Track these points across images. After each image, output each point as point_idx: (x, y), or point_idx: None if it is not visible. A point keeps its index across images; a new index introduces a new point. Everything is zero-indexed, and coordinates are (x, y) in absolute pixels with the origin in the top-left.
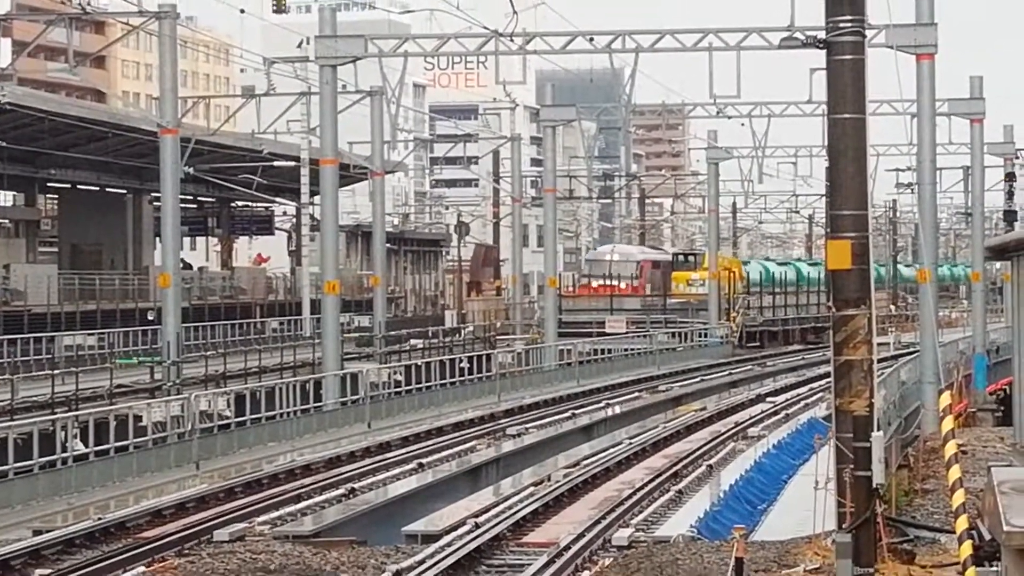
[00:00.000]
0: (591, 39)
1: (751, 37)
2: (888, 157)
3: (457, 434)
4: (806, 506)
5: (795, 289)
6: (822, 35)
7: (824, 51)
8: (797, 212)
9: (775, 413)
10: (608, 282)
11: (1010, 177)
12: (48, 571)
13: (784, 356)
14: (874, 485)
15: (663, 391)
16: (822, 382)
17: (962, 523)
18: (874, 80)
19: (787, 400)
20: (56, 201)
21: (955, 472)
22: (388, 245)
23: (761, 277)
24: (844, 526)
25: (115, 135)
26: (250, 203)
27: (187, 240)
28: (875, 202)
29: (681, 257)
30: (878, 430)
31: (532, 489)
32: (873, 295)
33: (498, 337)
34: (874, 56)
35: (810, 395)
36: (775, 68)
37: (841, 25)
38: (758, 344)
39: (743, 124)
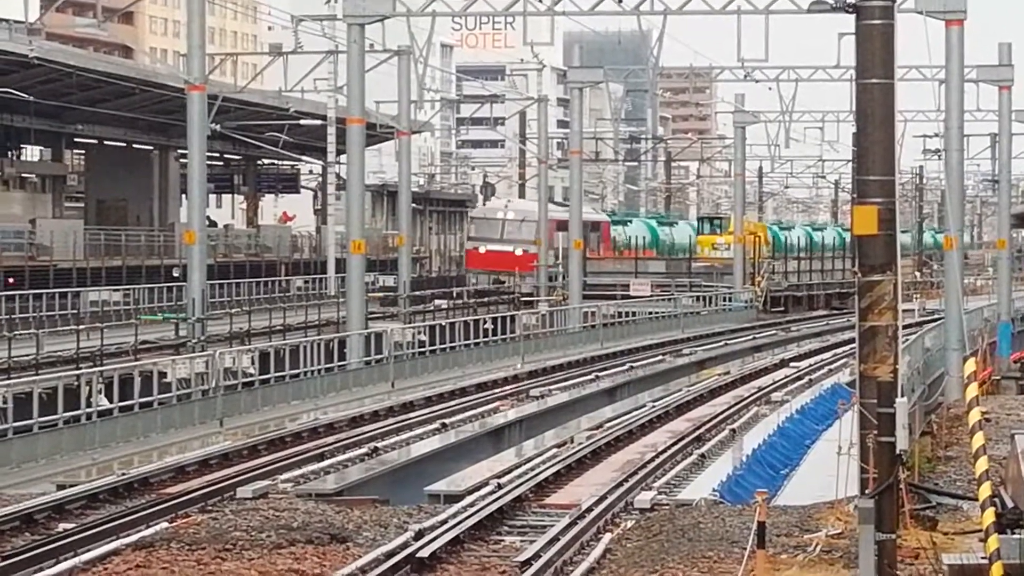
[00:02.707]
0: (619, 0)
1: (780, 1)
2: (916, 123)
3: (480, 395)
4: (828, 471)
5: (820, 254)
6: None
7: (853, 16)
8: (823, 177)
9: (799, 378)
10: (501, 247)
11: None
12: (71, 525)
13: (808, 321)
14: (897, 451)
15: (687, 355)
16: (846, 348)
17: (985, 490)
18: (903, 46)
19: (811, 365)
20: (83, 157)
21: (979, 439)
22: (413, 205)
23: (786, 241)
24: (867, 492)
25: (142, 91)
26: (276, 161)
27: (213, 197)
28: (902, 168)
29: (707, 221)
30: (902, 396)
31: (555, 451)
32: (899, 261)
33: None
34: (903, 21)
35: (834, 360)
36: (803, 32)
37: None
38: (783, 309)
39: (770, 88)
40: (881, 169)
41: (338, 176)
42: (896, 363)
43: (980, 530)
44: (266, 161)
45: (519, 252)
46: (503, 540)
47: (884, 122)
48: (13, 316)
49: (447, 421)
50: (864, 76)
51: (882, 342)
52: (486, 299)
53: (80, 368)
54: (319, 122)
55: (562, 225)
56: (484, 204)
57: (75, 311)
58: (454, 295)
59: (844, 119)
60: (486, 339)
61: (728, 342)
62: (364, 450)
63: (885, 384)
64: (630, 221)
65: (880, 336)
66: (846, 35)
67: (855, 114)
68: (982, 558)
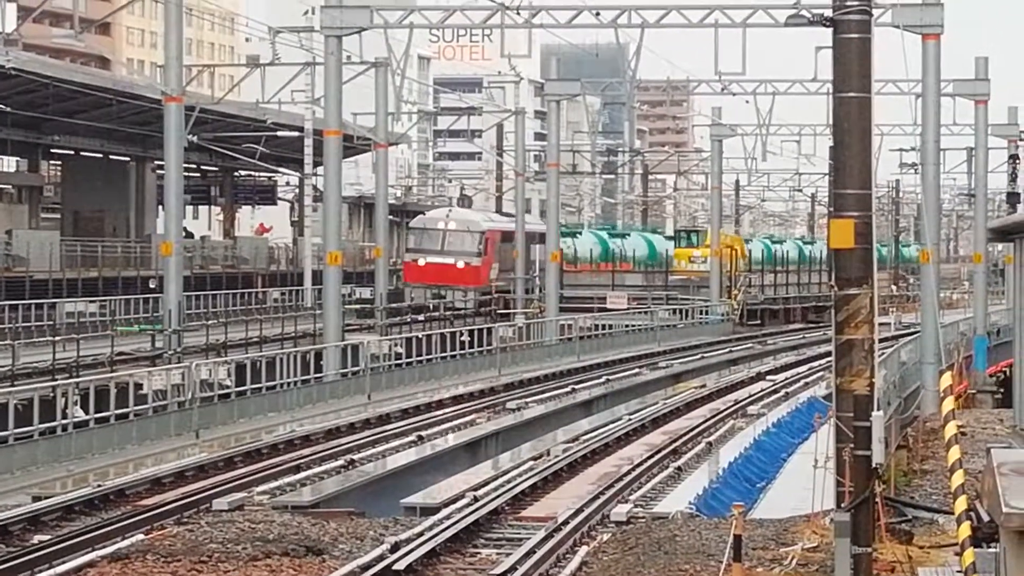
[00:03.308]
0: (597, 13)
1: (757, 14)
2: (892, 137)
3: (457, 407)
4: (805, 485)
5: (797, 267)
6: (828, 13)
7: (830, 29)
8: (800, 191)
9: (775, 391)
10: (441, 260)
11: (1014, 159)
12: (47, 537)
13: (785, 335)
14: (873, 465)
15: (663, 367)
16: (822, 361)
17: (961, 504)
18: (880, 59)
19: (787, 379)
20: (59, 167)
21: (955, 453)
22: (391, 217)
23: (763, 255)
24: (843, 505)
25: (119, 102)
26: (253, 173)
27: (189, 209)
28: (878, 182)
29: (683, 234)
30: (878, 410)
31: (531, 463)
32: (875, 275)
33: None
34: (880, 35)
35: (810, 374)
36: (781, 46)
37: (848, 3)
38: (759, 322)
39: (747, 102)
40: (858, 182)
41: (315, 188)
42: (872, 377)
43: (956, 544)
44: (243, 173)
45: (461, 265)
46: (479, 553)
47: (861, 135)
48: None
49: (423, 433)
50: (841, 90)
51: (858, 355)
52: (422, 317)
53: (56, 379)
54: (296, 134)
55: (507, 236)
56: (424, 214)
57: (51, 322)
58: (430, 307)
59: (821, 132)
60: (463, 351)
61: (705, 355)
62: (340, 462)
63: (861, 397)
64: (579, 233)
65: (856, 349)
66: (823, 49)
67: (832, 127)
68: (958, 572)
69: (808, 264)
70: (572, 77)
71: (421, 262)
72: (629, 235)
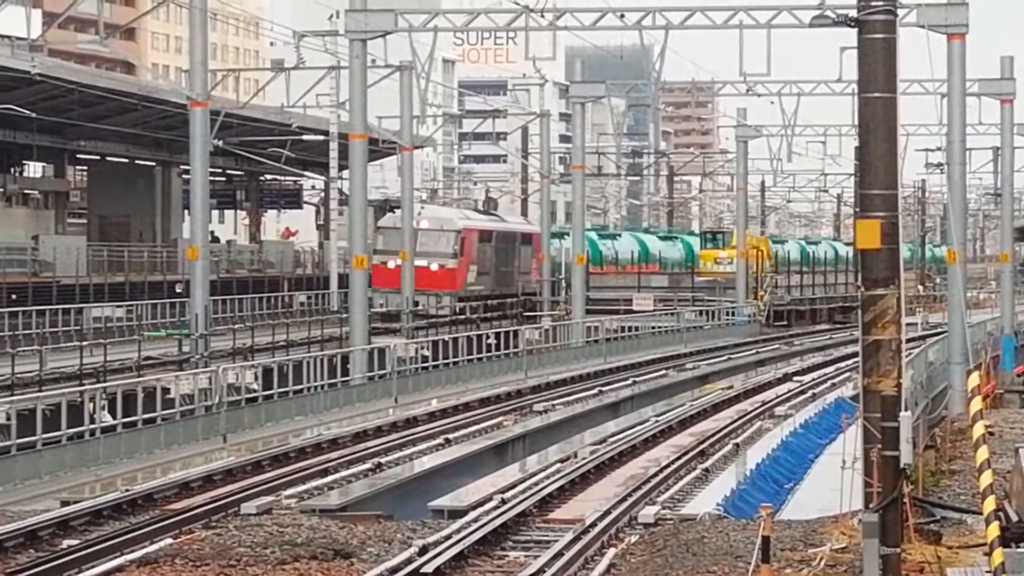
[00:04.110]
0: (621, 15)
1: (782, 15)
2: (918, 137)
3: (484, 410)
4: (833, 485)
5: (823, 268)
6: (853, 13)
7: (855, 30)
8: (826, 191)
9: (802, 392)
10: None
11: None
12: (76, 542)
13: (812, 335)
14: (901, 465)
15: (690, 369)
16: (849, 362)
17: (989, 504)
18: (905, 59)
19: (814, 379)
20: (85, 173)
21: (983, 453)
22: None
23: (789, 256)
24: (871, 506)
25: (144, 107)
26: (279, 177)
27: (215, 213)
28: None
29: (709, 235)
30: (906, 410)
31: (558, 466)
32: (902, 275)
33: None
34: (905, 35)
35: (837, 375)
36: (806, 46)
37: (873, 4)
38: (785, 323)
39: (772, 102)
40: (884, 183)
41: (340, 191)
42: (900, 377)
43: (985, 544)
44: (269, 177)
45: (435, 267)
46: (507, 555)
47: (886, 136)
48: (16, 332)
49: (451, 436)
50: (866, 90)
51: (885, 356)
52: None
53: (84, 384)
54: (321, 137)
55: (485, 235)
56: (392, 212)
57: (78, 327)
58: (457, 309)
59: (846, 133)
60: (489, 354)
61: (731, 356)
62: (368, 465)
63: (889, 398)
64: (567, 234)
65: (884, 350)
66: (848, 49)
67: (857, 128)
68: (987, 572)
69: (838, 265)
70: (597, 79)
71: (391, 264)
72: (620, 236)
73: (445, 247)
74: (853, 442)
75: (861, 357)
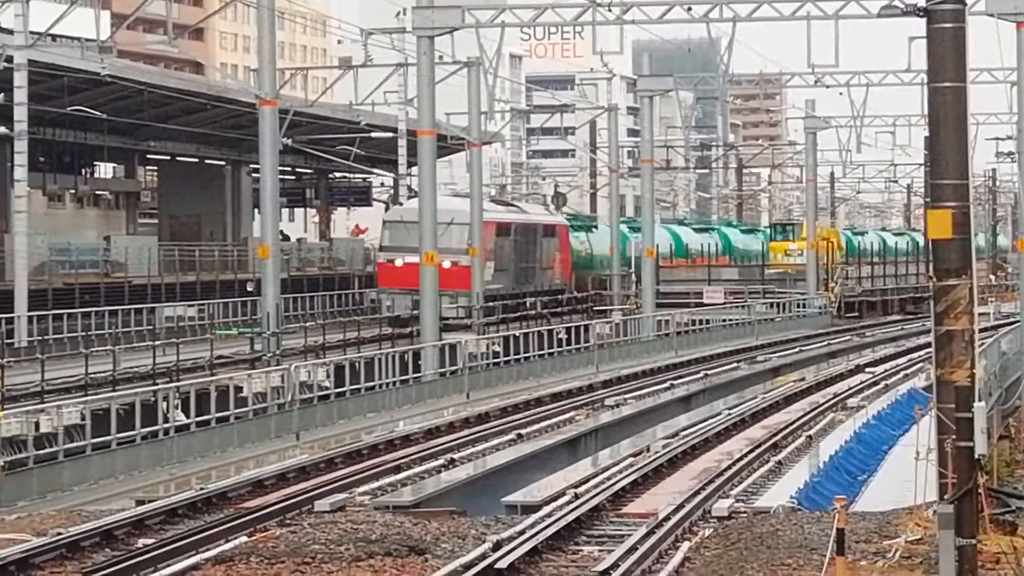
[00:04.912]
0: (689, 8)
1: (850, 5)
2: (988, 126)
3: (555, 405)
4: (906, 477)
5: (894, 259)
6: (922, 3)
7: (924, 19)
8: (895, 182)
9: (874, 384)
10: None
11: None
12: (151, 541)
13: (883, 326)
14: (976, 456)
15: (761, 362)
16: (922, 353)
17: None
18: (974, 48)
19: (886, 371)
20: (155, 173)
21: None
22: None
23: (859, 247)
24: (946, 497)
25: (214, 107)
26: (348, 174)
27: (285, 211)
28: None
29: (779, 227)
30: (980, 400)
31: (631, 460)
32: (974, 265)
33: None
34: (974, 24)
35: (909, 366)
36: (874, 37)
37: None
38: (857, 314)
39: (841, 93)
40: (954, 173)
41: (410, 188)
42: (973, 367)
43: None
44: (338, 174)
45: (447, 265)
46: (581, 550)
47: (956, 125)
48: (89, 333)
49: (523, 431)
50: (936, 80)
51: (958, 346)
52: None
53: (157, 384)
54: (390, 134)
55: (503, 228)
56: (399, 204)
57: (150, 327)
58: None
59: (916, 123)
60: (560, 349)
61: (803, 348)
62: (440, 461)
63: (962, 388)
64: (594, 227)
65: (956, 340)
66: (917, 39)
67: (927, 118)
68: None
69: (908, 256)
70: (664, 72)
71: (398, 263)
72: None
73: (459, 241)
74: (927, 433)
75: (934, 348)
